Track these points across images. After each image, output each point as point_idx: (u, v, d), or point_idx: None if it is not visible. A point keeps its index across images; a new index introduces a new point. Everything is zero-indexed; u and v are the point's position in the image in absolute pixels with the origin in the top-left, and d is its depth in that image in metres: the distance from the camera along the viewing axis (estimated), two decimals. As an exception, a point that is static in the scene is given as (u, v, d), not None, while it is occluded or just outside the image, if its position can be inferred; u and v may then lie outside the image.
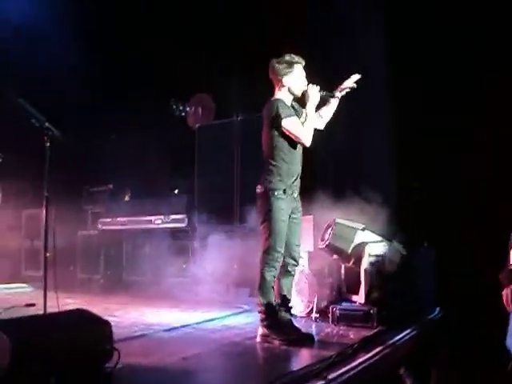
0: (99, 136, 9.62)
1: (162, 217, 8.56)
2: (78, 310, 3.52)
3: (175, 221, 8.40)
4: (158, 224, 8.63)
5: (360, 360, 3.79)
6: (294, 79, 4.56)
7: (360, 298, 5.26)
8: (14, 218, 10.63)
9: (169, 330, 5.11)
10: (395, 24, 7.18)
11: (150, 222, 8.75)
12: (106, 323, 3.36)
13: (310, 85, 4.58)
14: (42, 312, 4.03)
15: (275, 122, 4.44)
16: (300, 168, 4.63)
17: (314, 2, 7.63)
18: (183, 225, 8.31)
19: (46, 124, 4.21)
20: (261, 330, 4.49)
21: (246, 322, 5.62)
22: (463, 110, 6.82)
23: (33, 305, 4.01)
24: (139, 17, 9.00)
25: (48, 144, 4.19)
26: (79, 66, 8.45)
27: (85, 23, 8.74)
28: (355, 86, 4.69)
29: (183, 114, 8.98)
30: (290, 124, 4.43)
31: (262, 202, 4.51)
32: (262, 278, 4.45)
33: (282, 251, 4.47)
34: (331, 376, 3.32)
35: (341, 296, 5.65)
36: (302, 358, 4.12)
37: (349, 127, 7.04)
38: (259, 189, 4.51)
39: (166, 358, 3.95)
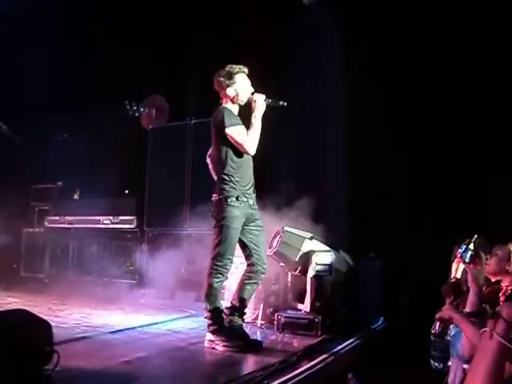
0: (50, 134, 9.44)
1: (111, 217, 8.46)
2: (16, 309, 3.44)
3: (124, 222, 8.32)
4: (107, 224, 8.52)
5: (303, 368, 3.81)
6: (237, 89, 4.59)
7: (305, 307, 5.29)
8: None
9: (112, 332, 5.05)
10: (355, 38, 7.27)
11: (99, 221, 8.63)
12: (46, 324, 3.29)
13: (256, 93, 4.61)
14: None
15: (221, 130, 4.47)
16: (252, 175, 4.65)
17: (275, 13, 7.68)
18: (132, 226, 8.23)
19: None
20: (207, 335, 4.49)
21: (192, 326, 5.60)
22: (416, 115, 6.94)
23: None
24: (93, 16, 8.87)
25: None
26: (30, 65, 8.30)
27: (34, 21, 8.57)
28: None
29: (137, 114, 8.90)
30: (233, 132, 4.45)
31: (216, 208, 4.51)
32: (209, 284, 4.45)
33: (232, 258, 4.48)
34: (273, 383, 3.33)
35: (286, 304, 5.67)
36: (246, 365, 4.11)
37: (301, 134, 7.11)
38: (214, 197, 4.53)
39: (108, 360, 3.89)
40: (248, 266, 4.60)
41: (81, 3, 8.82)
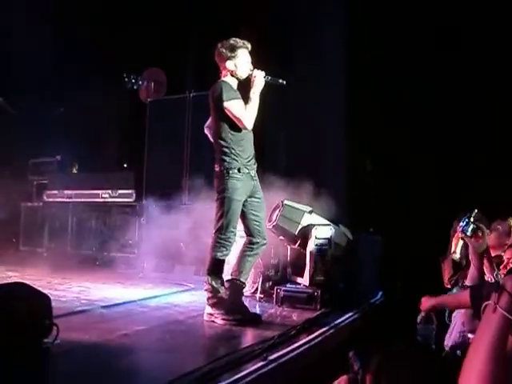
0: (48, 108, 9.38)
1: (110, 191, 8.44)
2: (15, 283, 3.43)
3: (123, 195, 8.30)
4: (106, 198, 8.50)
5: (302, 341, 3.82)
6: (238, 63, 4.53)
7: (305, 280, 5.30)
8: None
9: (111, 305, 5.05)
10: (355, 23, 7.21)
11: (98, 195, 8.61)
12: (46, 297, 3.28)
13: (256, 70, 4.56)
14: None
15: (219, 104, 4.43)
16: (252, 148, 4.63)
17: None
18: (131, 200, 8.21)
19: None
20: (207, 309, 4.49)
21: (191, 300, 5.60)
22: (416, 97, 6.92)
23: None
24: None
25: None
26: (27, 39, 8.20)
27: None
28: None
29: (135, 87, 8.83)
30: (231, 106, 4.41)
31: (217, 181, 4.50)
32: (213, 258, 4.44)
33: (235, 231, 4.48)
34: (272, 357, 3.33)
35: (286, 277, 5.68)
36: (245, 338, 4.13)
37: (302, 110, 7.07)
38: (216, 167, 4.51)
39: (107, 334, 3.90)
40: (248, 237, 4.59)
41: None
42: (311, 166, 6.51)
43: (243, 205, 4.51)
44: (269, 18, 7.57)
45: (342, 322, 4.63)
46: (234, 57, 4.51)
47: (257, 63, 4.63)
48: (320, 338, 4.02)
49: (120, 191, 8.31)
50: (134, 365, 3.31)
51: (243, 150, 4.50)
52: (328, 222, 5.49)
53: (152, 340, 3.94)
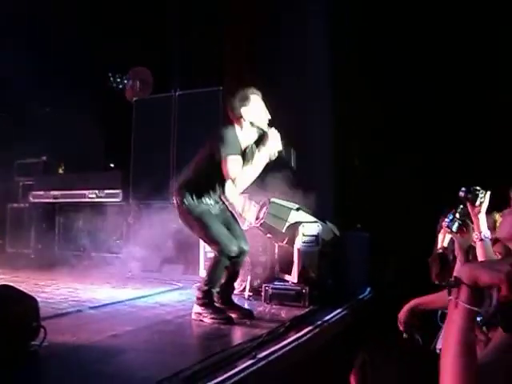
0: (34, 109, 9.34)
1: (97, 191, 8.41)
2: (2, 285, 3.42)
3: (109, 195, 8.27)
4: (92, 198, 8.47)
5: (291, 339, 3.82)
6: (252, 109, 4.40)
7: (293, 278, 5.30)
8: None
9: (99, 306, 5.04)
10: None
11: (84, 196, 8.57)
12: (33, 299, 3.29)
13: (273, 129, 4.42)
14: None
15: (217, 151, 4.28)
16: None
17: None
18: (118, 200, 8.19)
19: None
20: (194, 308, 4.49)
21: (179, 299, 5.59)
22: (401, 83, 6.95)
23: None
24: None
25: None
26: (14, 38, 8.15)
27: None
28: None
29: (121, 86, 8.80)
30: (228, 161, 4.25)
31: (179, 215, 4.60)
32: (215, 264, 4.46)
33: (232, 240, 4.44)
34: (261, 355, 3.34)
35: (274, 275, 5.69)
36: (233, 337, 4.12)
37: (288, 108, 7.07)
38: (174, 199, 4.57)
39: (96, 335, 3.88)
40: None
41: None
42: (298, 163, 6.51)
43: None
44: (256, 15, 7.56)
45: (331, 318, 4.64)
46: (245, 105, 4.38)
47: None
48: (309, 335, 4.03)
49: (107, 191, 8.28)
50: (123, 365, 3.30)
51: (211, 196, 4.50)
52: (315, 219, 5.50)
53: (141, 340, 3.93)
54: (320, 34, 7.39)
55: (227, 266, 4.45)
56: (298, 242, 5.29)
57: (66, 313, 4.67)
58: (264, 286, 5.34)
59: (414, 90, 6.83)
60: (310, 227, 5.34)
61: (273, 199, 5.52)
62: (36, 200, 9.17)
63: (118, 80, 8.76)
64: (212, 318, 4.37)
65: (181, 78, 8.03)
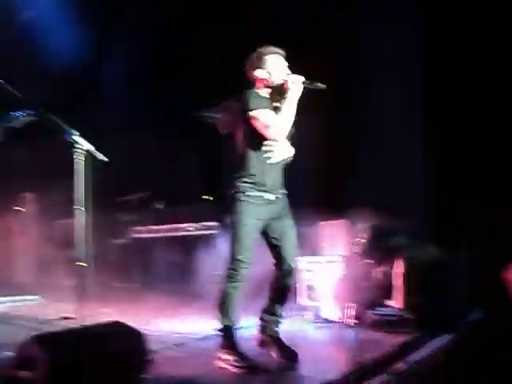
0: (131, 147, 9.69)
1: (195, 224, 8.56)
2: (112, 322, 3.53)
3: (208, 228, 8.39)
4: (191, 231, 8.63)
5: (398, 367, 3.72)
6: (269, 70, 4.10)
7: (397, 303, 5.18)
8: (49, 229, 10.80)
9: (202, 338, 5.06)
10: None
11: (183, 229, 8.76)
12: (140, 334, 3.37)
13: (292, 75, 4.07)
14: (77, 324, 4.04)
15: (244, 114, 4.02)
16: (278, 171, 4.18)
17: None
18: (216, 232, 8.30)
19: (77, 141, 4.13)
20: (220, 352, 4.02)
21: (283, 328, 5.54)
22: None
23: (69, 318, 4.02)
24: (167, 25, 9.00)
25: (77, 159, 4.13)
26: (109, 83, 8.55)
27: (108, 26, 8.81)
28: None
29: (213, 120, 8.98)
30: (258, 115, 3.96)
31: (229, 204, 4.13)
32: (221, 291, 4.12)
33: (246, 259, 3.99)
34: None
35: (376, 301, 5.57)
36: (336, 365, 4.05)
37: (382, 131, 6.97)
38: (229, 190, 4.13)
39: (202, 367, 3.93)
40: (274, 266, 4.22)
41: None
42: (393, 183, 6.39)
43: (263, 231, 4.13)
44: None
45: (440, 344, 4.48)
46: (263, 64, 4.11)
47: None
48: (418, 364, 3.90)
49: (204, 223, 8.43)
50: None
51: (262, 173, 4.06)
52: (415, 241, 5.37)
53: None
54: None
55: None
56: (399, 265, 5.17)
57: (170, 345, 4.72)
58: (366, 312, 5.24)
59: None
60: (410, 249, 5.23)
61: (371, 223, 5.45)
62: (137, 235, 9.46)
63: (210, 114, 8.94)
64: (233, 365, 3.87)
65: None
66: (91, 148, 4.16)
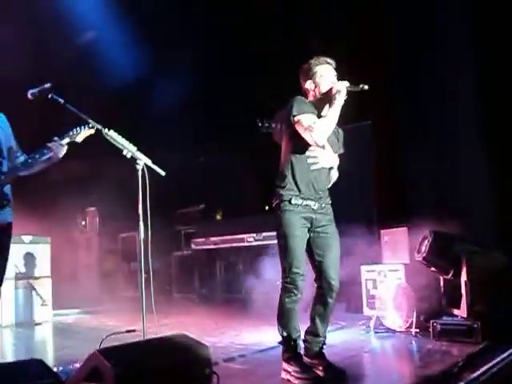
0: (188, 160, 9.83)
1: (255, 234, 8.59)
2: (177, 334, 3.56)
3: (267, 238, 8.40)
4: (251, 242, 8.67)
5: (466, 379, 3.62)
6: (317, 81, 4.07)
7: (462, 312, 5.06)
8: (111, 242, 11.07)
9: (266, 349, 5.05)
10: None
11: (243, 240, 8.80)
12: (204, 346, 3.39)
13: (337, 82, 4.04)
14: (141, 336, 4.08)
15: (289, 119, 3.99)
16: (323, 178, 4.11)
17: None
18: (276, 242, 8.28)
19: (139, 157, 4.19)
20: (283, 364, 3.97)
21: (344, 339, 5.49)
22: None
23: (133, 331, 4.06)
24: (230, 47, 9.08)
25: (138, 174, 4.19)
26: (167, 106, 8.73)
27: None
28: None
29: (269, 130, 9.02)
30: (301, 119, 3.91)
31: (274, 216, 4.12)
32: (280, 304, 4.01)
33: (302, 271, 3.92)
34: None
35: (441, 310, 5.45)
36: (401, 377, 3.98)
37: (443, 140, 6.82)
38: (273, 201, 4.13)
39: (266, 379, 3.93)
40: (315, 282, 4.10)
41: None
42: (456, 190, 6.25)
43: (307, 241, 4.04)
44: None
45: (509, 355, 4.33)
46: (312, 75, 4.09)
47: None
48: (486, 376, 3.78)
49: (264, 234, 8.45)
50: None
51: (305, 177, 3.99)
52: (480, 248, 5.24)
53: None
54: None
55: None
56: (465, 274, 5.04)
57: (234, 357, 4.73)
58: (432, 321, 5.13)
59: None
60: (475, 257, 5.10)
61: (434, 231, 5.34)
62: (197, 247, 9.57)
63: (266, 125, 8.98)
64: (298, 378, 3.79)
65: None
66: (150, 162, 4.21)
